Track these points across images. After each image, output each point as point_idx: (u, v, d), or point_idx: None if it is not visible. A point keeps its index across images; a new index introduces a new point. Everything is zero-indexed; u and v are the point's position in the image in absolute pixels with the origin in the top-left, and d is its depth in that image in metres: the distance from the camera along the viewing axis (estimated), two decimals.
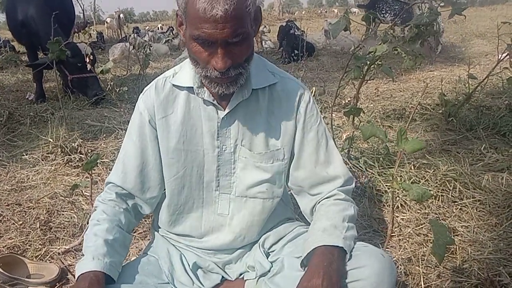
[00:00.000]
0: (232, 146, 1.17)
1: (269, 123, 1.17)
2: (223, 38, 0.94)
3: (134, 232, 1.95)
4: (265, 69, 1.19)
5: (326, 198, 1.19)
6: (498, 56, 3.18)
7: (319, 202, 1.20)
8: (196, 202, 1.22)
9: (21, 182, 2.53)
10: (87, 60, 3.71)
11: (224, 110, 1.14)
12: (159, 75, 1.25)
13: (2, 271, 1.60)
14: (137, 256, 1.53)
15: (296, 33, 7.41)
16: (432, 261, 1.63)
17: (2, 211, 2.13)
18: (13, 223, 2.03)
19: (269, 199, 1.21)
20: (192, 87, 1.14)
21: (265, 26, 9.43)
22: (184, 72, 1.17)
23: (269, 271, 1.18)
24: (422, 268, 1.57)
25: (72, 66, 4.27)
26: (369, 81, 2.35)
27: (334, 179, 1.19)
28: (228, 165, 1.18)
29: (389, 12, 7.64)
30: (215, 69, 0.99)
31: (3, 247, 1.85)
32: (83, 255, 1.10)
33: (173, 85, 1.17)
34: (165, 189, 1.23)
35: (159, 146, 1.18)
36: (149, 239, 1.78)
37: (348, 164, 2.34)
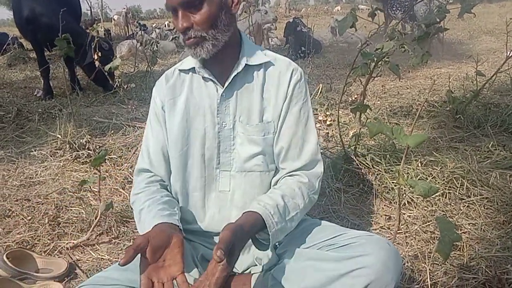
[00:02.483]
0: (231, 122, 1.24)
1: (263, 99, 1.25)
2: (174, 2, 1.12)
3: None
4: (259, 49, 1.29)
5: (290, 175, 1.25)
6: (507, 53, 3.16)
7: (283, 177, 1.25)
8: (198, 181, 1.26)
9: (30, 177, 2.56)
10: (95, 56, 3.74)
11: (223, 87, 1.23)
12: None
13: (11, 265, 1.62)
14: None
15: (303, 30, 7.38)
16: (439, 258, 1.62)
17: (11, 207, 2.15)
18: (22, 218, 2.05)
19: (265, 172, 1.26)
20: (195, 68, 1.24)
21: (272, 24, 9.38)
22: (189, 59, 1.28)
23: (275, 264, 1.20)
24: (428, 265, 1.56)
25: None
26: (376, 78, 2.34)
27: (302, 157, 1.25)
28: (228, 142, 1.25)
29: (399, 9, 7.60)
30: (180, 32, 1.15)
31: (12, 241, 1.87)
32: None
33: (180, 70, 1.29)
34: None
35: (166, 126, 1.27)
36: None
37: (355, 161, 2.34)
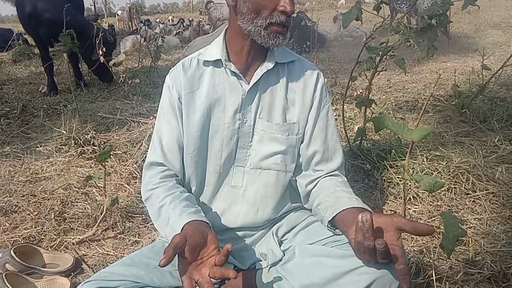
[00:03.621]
0: (252, 119, 1.22)
1: (287, 98, 1.23)
2: None
3: (147, 223, 1.97)
4: (284, 49, 1.26)
5: (330, 176, 1.25)
6: None
7: (322, 177, 1.25)
8: (212, 176, 1.25)
9: (36, 173, 2.57)
10: (100, 52, 3.74)
11: (248, 84, 1.20)
12: (170, 67, 1.31)
13: (18, 260, 1.63)
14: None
15: (307, 24, 7.34)
16: (443, 253, 1.62)
17: (17, 202, 2.17)
18: (29, 214, 2.06)
19: (282, 172, 1.25)
20: (219, 60, 1.20)
21: None
22: (211, 49, 1.24)
23: (280, 260, 1.19)
24: (434, 259, 1.56)
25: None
26: (381, 73, 2.32)
27: (336, 158, 1.27)
28: (246, 138, 1.23)
29: (404, 2, 7.53)
30: (284, 13, 1.10)
31: (19, 237, 1.89)
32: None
33: (200, 61, 1.24)
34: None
35: (183, 120, 1.22)
36: None
37: (360, 156, 2.33)
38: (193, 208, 1.10)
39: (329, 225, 1.11)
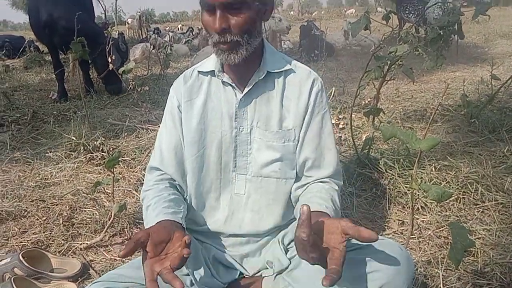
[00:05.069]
0: (249, 127, 1.24)
1: (283, 106, 1.25)
2: (215, 0, 1.07)
3: None
4: (280, 57, 1.29)
5: (321, 181, 1.26)
6: None
7: (311, 183, 1.26)
8: (214, 183, 1.27)
9: (45, 179, 2.59)
10: (110, 60, 3.79)
11: (242, 92, 1.23)
12: (179, 75, 1.35)
13: (26, 264, 1.64)
14: None
15: (316, 33, 7.37)
16: (452, 263, 1.60)
17: (26, 207, 2.19)
18: (37, 219, 2.08)
19: (282, 179, 1.26)
20: (214, 71, 1.24)
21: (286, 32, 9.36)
22: (209, 60, 1.28)
23: (287, 267, 1.19)
24: (442, 270, 1.55)
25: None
26: (389, 82, 2.32)
27: (328, 166, 1.27)
28: (244, 146, 1.25)
29: (413, 12, 7.53)
30: (215, 33, 1.11)
31: (27, 241, 1.90)
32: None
33: (199, 72, 1.28)
34: None
35: (182, 127, 1.27)
36: None
37: (368, 165, 2.33)
38: (172, 209, 1.14)
39: None
